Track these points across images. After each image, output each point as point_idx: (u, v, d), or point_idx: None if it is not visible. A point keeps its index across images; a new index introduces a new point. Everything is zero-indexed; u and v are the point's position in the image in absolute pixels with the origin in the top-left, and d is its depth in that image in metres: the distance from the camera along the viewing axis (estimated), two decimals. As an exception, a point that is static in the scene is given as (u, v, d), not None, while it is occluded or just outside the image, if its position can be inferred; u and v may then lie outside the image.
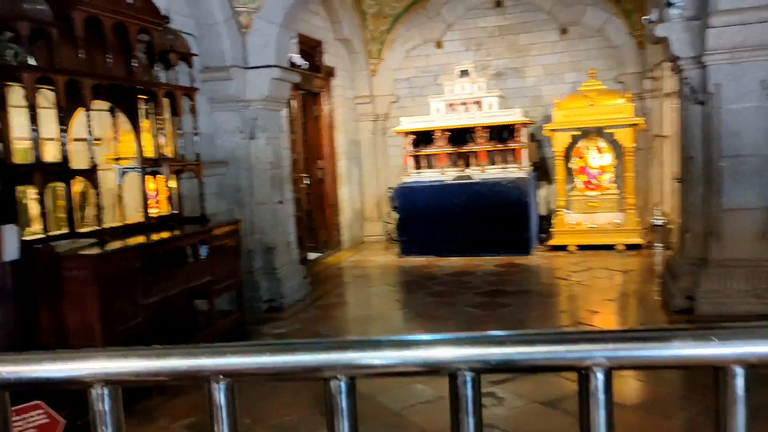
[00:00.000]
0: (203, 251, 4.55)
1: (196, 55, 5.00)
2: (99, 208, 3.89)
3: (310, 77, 8.43)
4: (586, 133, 8.19)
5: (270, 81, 5.82)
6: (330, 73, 8.94)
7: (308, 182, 8.58)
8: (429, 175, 8.51)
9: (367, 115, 9.82)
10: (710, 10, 4.57)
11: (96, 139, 4.31)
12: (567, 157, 8.36)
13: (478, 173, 8.25)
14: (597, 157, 8.24)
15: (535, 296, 6.06)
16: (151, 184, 4.67)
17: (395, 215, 8.68)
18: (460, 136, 8.51)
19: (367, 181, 10.00)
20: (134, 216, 4.55)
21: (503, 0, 9.32)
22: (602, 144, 8.20)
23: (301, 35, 7.90)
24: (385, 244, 9.63)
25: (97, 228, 3.94)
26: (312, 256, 8.77)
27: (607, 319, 5.18)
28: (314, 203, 9.05)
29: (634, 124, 7.76)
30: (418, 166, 8.65)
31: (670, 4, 4.74)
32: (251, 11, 5.65)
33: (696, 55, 4.78)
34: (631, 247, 7.88)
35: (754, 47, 4.57)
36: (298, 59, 6.46)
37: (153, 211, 4.71)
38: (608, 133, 7.98)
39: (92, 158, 3.82)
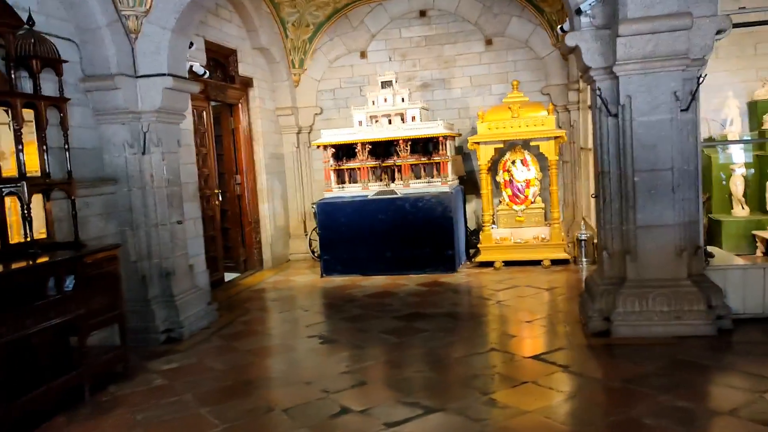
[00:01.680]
0: (69, 282, 4.01)
1: (65, 61, 4.47)
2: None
3: (224, 87, 7.95)
4: (512, 146, 7.99)
5: (163, 91, 5.32)
6: (247, 83, 8.48)
7: (222, 199, 8.08)
8: (351, 190, 8.14)
9: (289, 127, 9.39)
10: (620, 19, 4.36)
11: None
12: (494, 170, 8.15)
13: (401, 188, 7.92)
14: (522, 171, 8.04)
15: (455, 319, 5.72)
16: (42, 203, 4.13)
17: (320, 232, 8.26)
18: (384, 149, 8.18)
19: (292, 196, 9.55)
20: (-11, 243, 3.99)
21: (428, 10, 9.07)
22: (527, 157, 8.02)
23: (211, 43, 7.44)
24: (310, 262, 9.19)
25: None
26: (229, 277, 8.26)
27: (523, 345, 4.88)
28: (232, 221, 8.54)
29: (557, 137, 7.58)
30: (340, 181, 8.27)
31: (579, 12, 4.51)
32: (139, 15, 5.16)
33: (607, 65, 4.57)
34: (557, 262, 7.70)
35: (666, 57, 4.38)
36: (199, 68, 5.97)
37: (20, 236, 4.15)
38: (533, 146, 7.80)
39: None
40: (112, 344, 4.90)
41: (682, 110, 4.50)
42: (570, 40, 4.68)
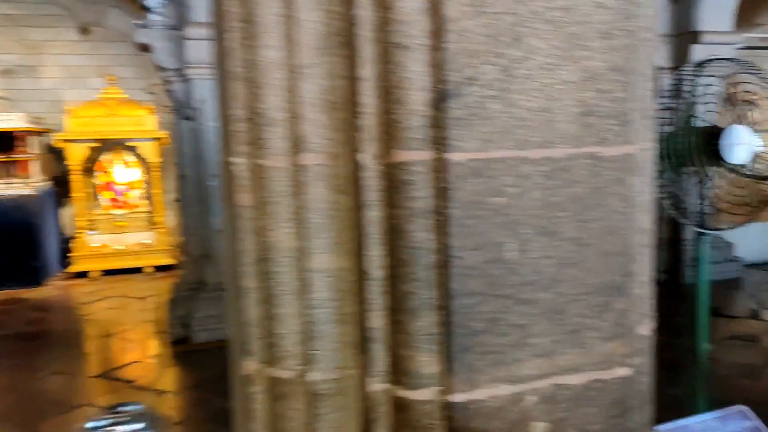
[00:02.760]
0: None
1: None
2: None
3: None
4: (110, 146, 7.41)
5: None
6: None
7: None
8: None
9: None
10: (187, 21, 4.32)
11: None
12: (91, 171, 7.44)
13: (-31, 190, 6.64)
14: (124, 173, 7.54)
15: (23, 341, 4.97)
16: None
17: None
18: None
19: None
20: None
21: (8, -16, 7.83)
22: (130, 158, 7.54)
23: None
24: None
25: None
26: None
27: (94, 363, 4.48)
28: None
29: (158, 138, 7.31)
30: None
31: (147, 9, 4.33)
32: None
33: (179, 67, 4.49)
34: (162, 268, 7.42)
35: (235, 65, 4.50)
36: None
37: None
38: (132, 146, 7.36)
39: None
40: None
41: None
42: (141, 37, 4.48)
